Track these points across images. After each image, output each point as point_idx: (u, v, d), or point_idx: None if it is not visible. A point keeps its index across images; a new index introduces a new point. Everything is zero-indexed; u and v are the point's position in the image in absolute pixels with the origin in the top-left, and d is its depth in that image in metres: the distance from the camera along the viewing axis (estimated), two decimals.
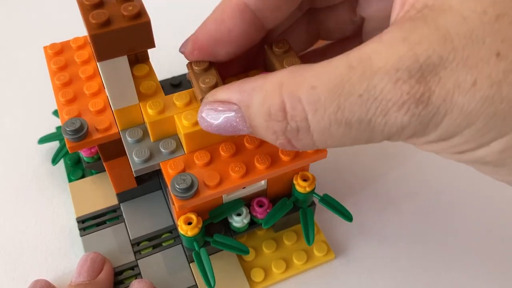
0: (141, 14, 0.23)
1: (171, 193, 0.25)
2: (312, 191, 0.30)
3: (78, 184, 0.34)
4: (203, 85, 0.24)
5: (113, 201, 0.33)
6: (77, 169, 0.35)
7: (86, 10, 0.23)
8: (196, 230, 0.28)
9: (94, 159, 0.34)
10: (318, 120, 0.20)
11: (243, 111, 0.22)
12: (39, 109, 0.40)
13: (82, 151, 0.33)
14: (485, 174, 0.22)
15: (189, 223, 0.28)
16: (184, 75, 0.38)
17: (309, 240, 0.30)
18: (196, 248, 0.29)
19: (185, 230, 0.28)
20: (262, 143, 0.27)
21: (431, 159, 0.37)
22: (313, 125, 0.20)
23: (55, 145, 0.37)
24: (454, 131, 0.19)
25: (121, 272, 0.31)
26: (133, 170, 0.26)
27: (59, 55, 0.31)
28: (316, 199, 0.31)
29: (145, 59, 0.29)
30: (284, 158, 0.27)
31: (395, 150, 0.38)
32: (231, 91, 0.22)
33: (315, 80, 0.19)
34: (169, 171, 0.26)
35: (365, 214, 0.34)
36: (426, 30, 0.18)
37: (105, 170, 0.35)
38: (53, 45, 0.32)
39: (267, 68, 0.28)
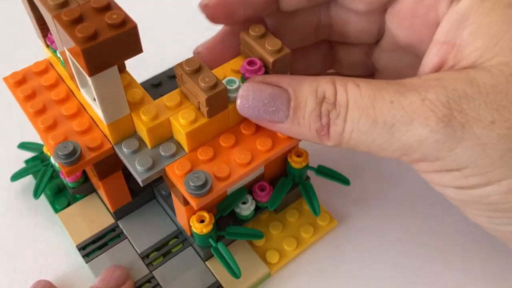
0: (126, 20, 0.22)
1: (186, 193, 0.25)
2: (307, 166, 0.31)
3: (67, 212, 0.33)
4: (203, 84, 0.25)
5: (108, 220, 0.33)
6: (60, 198, 0.34)
7: (68, 26, 0.22)
8: (210, 227, 0.28)
9: (79, 183, 0.33)
10: (353, 110, 0.23)
11: (290, 93, 0.24)
12: (2, 143, 0.37)
13: (67, 178, 0.32)
14: (478, 219, 0.25)
15: (202, 221, 0.28)
16: (162, 73, 0.38)
17: (316, 211, 0.31)
18: (214, 244, 0.29)
19: (200, 229, 0.28)
20: (258, 128, 0.28)
21: None
22: (349, 114, 0.23)
23: (28, 179, 0.35)
24: (468, 160, 0.22)
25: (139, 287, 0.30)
26: (139, 181, 0.26)
27: (23, 83, 0.30)
28: (311, 176, 0.32)
29: (122, 68, 0.28)
30: (282, 136, 0.28)
31: (396, 206, 0.36)
32: (280, 77, 0.24)
33: (361, 82, 0.24)
34: (176, 173, 0.26)
35: (359, 184, 0.36)
36: (457, 75, 0.22)
37: (91, 192, 0.34)
38: (14, 74, 0.30)
39: (245, 53, 0.28)
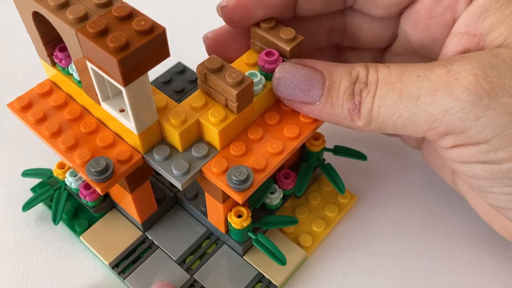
0: (154, 26, 0.22)
1: (229, 189, 0.25)
2: (324, 148, 0.32)
3: (91, 233, 0.32)
4: (231, 80, 0.25)
5: (136, 233, 0.32)
6: (79, 220, 0.33)
7: (95, 38, 0.22)
8: (249, 220, 0.29)
9: (99, 201, 0.32)
10: (382, 86, 0.24)
11: (325, 74, 0.24)
12: (5, 175, 0.36)
13: (86, 197, 0.31)
14: (500, 201, 0.25)
15: (239, 216, 0.29)
16: (170, 69, 0.37)
17: (341, 189, 0.32)
18: (253, 236, 0.29)
19: (239, 223, 0.28)
20: (282, 118, 0.28)
21: None
22: (378, 90, 0.24)
23: (40, 208, 0.34)
24: (495, 130, 0.22)
25: None
26: (179, 185, 0.26)
27: (31, 107, 0.29)
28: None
29: None
30: (306, 120, 0.28)
31: (397, 207, 0.36)
32: (315, 60, 0.25)
33: (391, 64, 0.25)
34: (214, 171, 0.26)
35: (374, 161, 0.37)
36: (482, 52, 0.23)
37: (111, 209, 0.33)
38: (19, 99, 0.29)
39: (256, 47, 0.29)
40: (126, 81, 0.22)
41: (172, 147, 0.27)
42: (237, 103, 0.26)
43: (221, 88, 0.26)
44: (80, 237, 0.32)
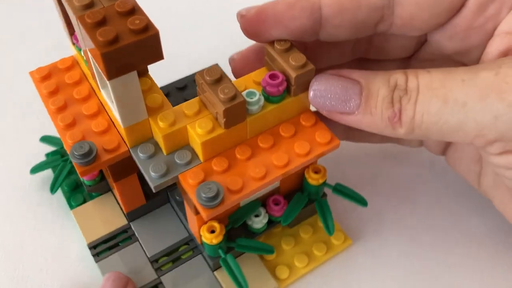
0: (148, 26, 0.22)
1: (197, 203, 0.25)
2: (324, 183, 0.31)
3: (82, 210, 0.33)
4: (222, 96, 0.24)
5: (122, 221, 0.33)
6: (76, 195, 0.34)
7: (90, 28, 0.22)
8: (220, 238, 0.28)
9: (96, 181, 0.33)
10: (424, 92, 0.23)
11: (362, 84, 0.24)
12: (24, 137, 0.38)
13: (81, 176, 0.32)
14: None
15: (212, 232, 0.28)
16: (189, 76, 0.37)
17: (330, 230, 0.30)
18: (222, 255, 0.28)
19: (210, 239, 0.28)
20: (276, 142, 0.27)
21: None
22: (420, 97, 0.23)
23: (47, 173, 0.36)
24: None
25: None
26: (152, 187, 0.26)
27: (48, 79, 0.30)
28: (327, 192, 0.32)
29: (144, 72, 0.28)
30: (300, 152, 0.27)
31: (396, 207, 0.36)
32: (351, 70, 0.25)
33: (431, 69, 0.24)
34: (189, 182, 0.26)
35: (377, 202, 0.35)
36: None
37: (107, 191, 0.34)
38: (40, 69, 0.30)
39: (268, 66, 0.28)
40: (110, 75, 0.22)
41: (158, 148, 0.27)
42: (224, 119, 0.25)
43: (213, 101, 0.25)
44: (71, 211, 0.33)
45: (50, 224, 0.34)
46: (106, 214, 0.33)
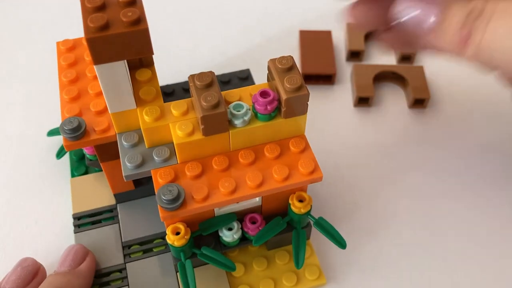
0: (140, 20, 0.22)
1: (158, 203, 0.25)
2: (308, 213, 0.29)
3: (80, 180, 0.35)
4: (204, 103, 0.24)
5: (111, 200, 0.33)
6: (81, 165, 0.36)
7: (87, 12, 0.23)
8: (183, 241, 0.28)
9: (95, 156, 0.34)
10: (499, 14, 0.23)
11: (441, 7, 0.25)
12: (50, 102, 0.40)
13: (86, 148, 0.34)
14: None
15: (177, 233, 0.28)
16: (233, 73, 0.37)
17: (298, 263, 0.29)
18: (182, 259, 0.28)
19: (172, 240, 0.27)
20: (257, 160, 0.27)
21: (429, 185, 0.35)
22: (494, 17, 0.23)
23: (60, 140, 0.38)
24: None
25: (108, 274, 0.30)
26: (123, 175, 0.26)
27: (70, 51, 0.32)
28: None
29: (149, 63, 0.28)
30: (277, 177, 0.26)
31: (396, 176, 0.36)
32: None
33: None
34: (158, 180, 0.26)
35: (361, 241, 0.33)
36: None
37: None
38: (66, 41, 0.32)
39: (268, 80, 0.27)
40: (95, 61, 0.23)
41: (142, 139, 0.27)
42: (203, 126, 0.25)
43: (196, 106, 0.25)
44: (70, 179, 0.35)
45: (50, 188, 0.35)
46: (99, 190, 0.34)
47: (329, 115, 0.40)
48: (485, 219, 0.34)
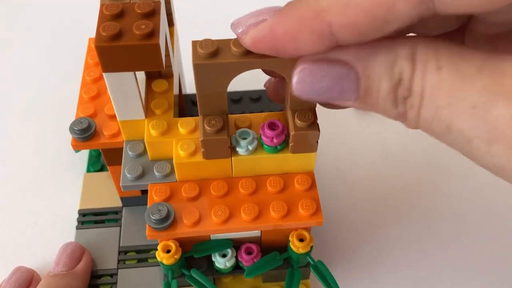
0: (152, 34, 0.22)
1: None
2: (307, 253, 0.28)
3: (92, 176, 0.35)
4: (207, 126, 0.23)
5: (118, 202, 0.33)
6: (98, 161, 0.36)
7: (103, 19, 0.22)
8: (171, 260, 0.27)
9: None
10: (427, 104, 0.18)
11: (359, 71, 0.19)
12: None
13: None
14: None
15: (168, 251, 0.27)
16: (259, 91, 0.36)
17: None
18: (170, 278, 0.27)
19: (161, 258, 0.27)
20: (257, 192, 0.25)
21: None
22: (424, 103, 0.18)
23: None
24: None
25: (99, 276, 0.30)
26: (121, 185, 0.26)
27: None
28: None
29: (168, 75, 0.28)
30: (274, 214, 0.25)
31: (396, 209, 0.34)
32: (344, 49, 0.19)
33: (445, 63, 0.17)
34: (153, 196, 0.25)
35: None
36: None
37: None
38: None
39: (283, 110, 0.26)
40: (104, 69, 0.23)
41: (146, 151, 0.27)
42: (203, 149, 0.24)
43: (199, 127, 0.24)
44: (84, 174, 0.35)
45: (63, 182, 0.35)
46: (109, 190, 0.34)
47: (329, 114, 0.38)
48: (492, 220, 0.33)
